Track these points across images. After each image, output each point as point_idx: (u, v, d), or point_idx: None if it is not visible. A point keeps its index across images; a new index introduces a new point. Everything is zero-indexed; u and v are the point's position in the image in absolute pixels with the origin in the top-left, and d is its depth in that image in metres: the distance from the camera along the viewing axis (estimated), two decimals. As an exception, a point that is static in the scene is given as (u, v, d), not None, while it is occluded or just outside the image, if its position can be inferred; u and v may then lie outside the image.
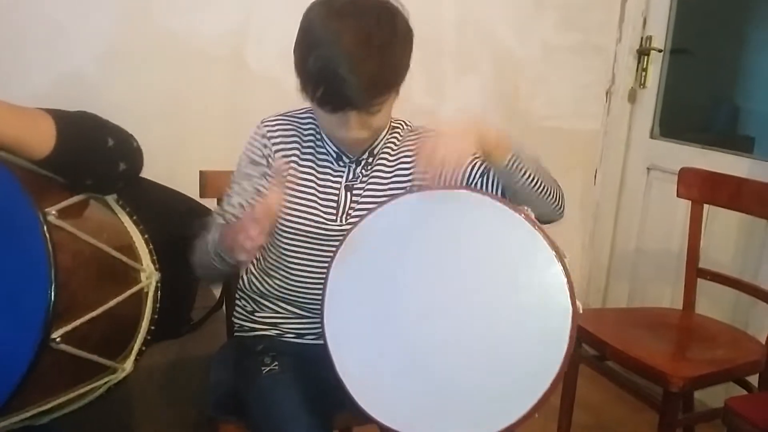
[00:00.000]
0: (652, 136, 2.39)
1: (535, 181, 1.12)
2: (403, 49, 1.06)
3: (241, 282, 1.31)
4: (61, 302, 0.89)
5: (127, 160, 1.08)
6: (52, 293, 0.87)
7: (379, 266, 1.03)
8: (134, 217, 1.17)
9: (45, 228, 0.89)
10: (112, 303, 1.02)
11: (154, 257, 1.16)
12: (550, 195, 1.16)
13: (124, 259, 1.08)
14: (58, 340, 0.90)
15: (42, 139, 0.96)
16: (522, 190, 1.12)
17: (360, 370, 1.01)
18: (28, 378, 0.87)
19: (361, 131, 1.08)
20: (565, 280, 0.94)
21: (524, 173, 1.10)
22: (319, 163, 1.19)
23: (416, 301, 1.01)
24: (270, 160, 1.17)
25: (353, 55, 0.99)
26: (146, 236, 1.16)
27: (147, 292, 1.14)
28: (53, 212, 0.93)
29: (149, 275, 1.13)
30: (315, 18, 1.04)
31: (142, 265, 1.13)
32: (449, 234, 1.01)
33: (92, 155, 1.04)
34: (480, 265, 1.00)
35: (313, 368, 1.13)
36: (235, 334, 1.32)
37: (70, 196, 1.02)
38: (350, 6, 1.03)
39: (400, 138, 1.23)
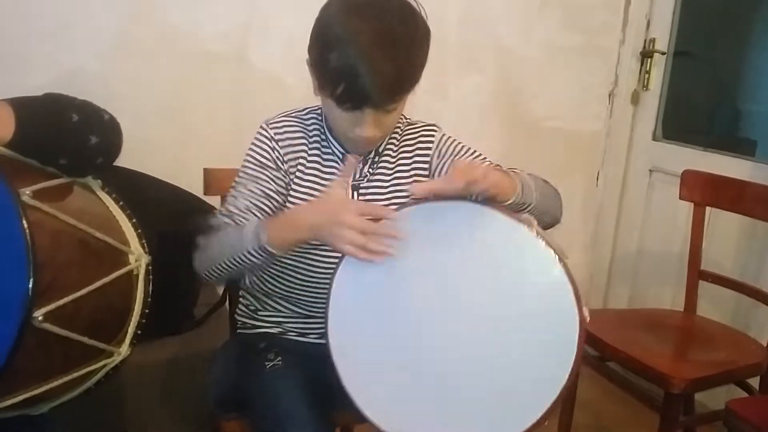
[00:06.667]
0: (654, 138, 2.40)
1: (535, 212, 1.09)
2: (422, 48, 1.05)
3: (244, 281, 1.31)
4: (42, 282, 0.88)
5: (97, 133, 1.07)
6: (30, 272, 0.86)
7: (383, 276, 1.02)
8: (120, 203, 1.17)
9: (19, 207, 0.89)
10: (98, 284, 1.01)
11: (143, 241, 1.15)
12: (546, 215, 1.13)
13: (110, 240, 1.07)
14: (40, 318, 0.89)
15: (1, 125, 0.97)
16: None
17: (365, 379, 1.01)
18: (12, 358, 0.86)
19: (375, 130, 1.07)
20: (571, 287, 0.92)
21: (525, 207, 1.07)
22: (325, 163, 1.19)
23: (421, 310, 1.00)
24: (279, 163, 1.16)
25: (376, 53, 0.98)
26: (134, 221, 1.16)
27: (137, 275, 1.13)
28: (27, 192, 0.94)
29: (138, 257, 1.13)
30: (334, 14, 1.02)
31: (129, 247, 1.12)
32: (452, 243, 1.00)
33: (57, 133, 1.04)
34: (484, 274, 0.98)
35: (316, 366, 1.12)
36: (238, 331, 1.32)
37: (48, 180, 1.03)
38: (370, 2, 1.01)
39: (400, 132, 1.23)
